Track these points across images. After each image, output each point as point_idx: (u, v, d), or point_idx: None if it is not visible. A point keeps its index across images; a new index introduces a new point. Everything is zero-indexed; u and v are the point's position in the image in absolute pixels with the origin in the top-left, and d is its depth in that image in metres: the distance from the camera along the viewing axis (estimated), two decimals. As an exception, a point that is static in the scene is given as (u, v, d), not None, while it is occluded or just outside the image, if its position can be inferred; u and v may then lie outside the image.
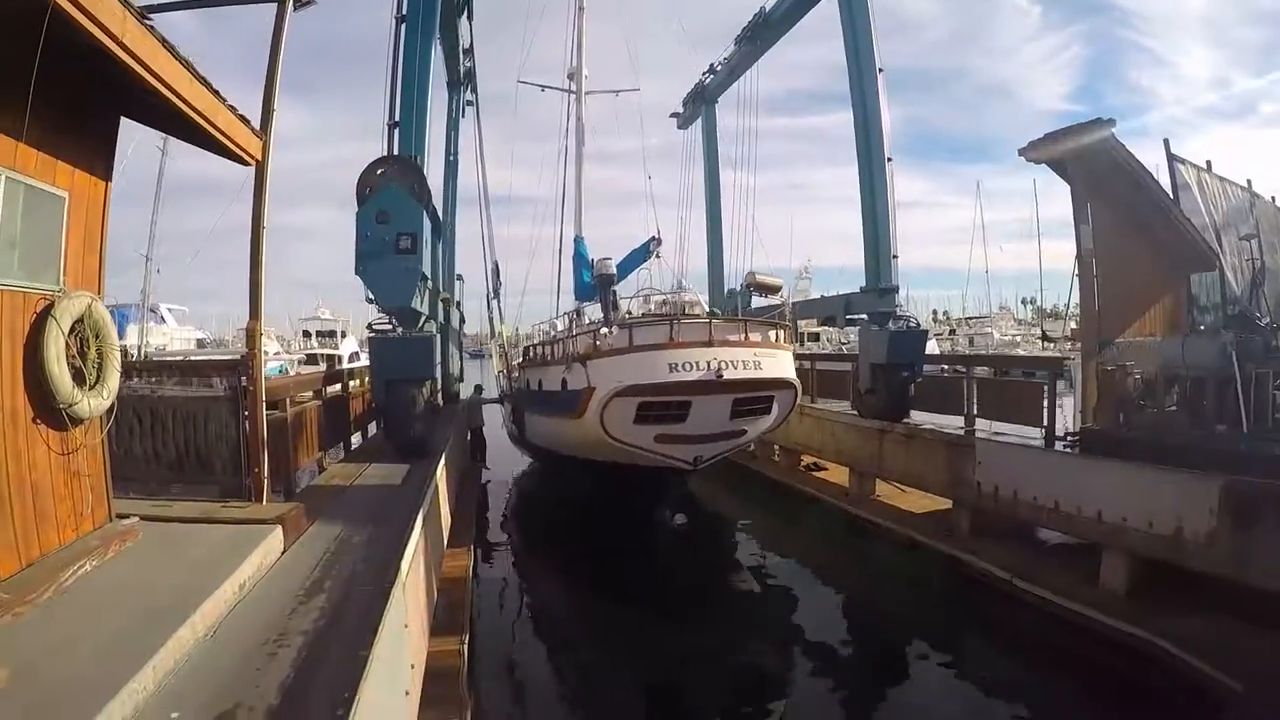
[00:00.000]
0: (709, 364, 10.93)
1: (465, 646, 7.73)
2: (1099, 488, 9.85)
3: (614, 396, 11.00)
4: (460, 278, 23.95)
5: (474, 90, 22.37)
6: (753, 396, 11.62)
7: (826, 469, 17.67)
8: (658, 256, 18.73)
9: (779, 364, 11.86)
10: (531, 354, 17.03)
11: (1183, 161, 13.25)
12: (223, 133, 5.95)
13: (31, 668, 3.74)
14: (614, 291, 15.50)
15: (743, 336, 11.74)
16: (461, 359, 24.62)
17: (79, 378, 5.18)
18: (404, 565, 5.91)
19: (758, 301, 17.42)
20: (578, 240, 22.54)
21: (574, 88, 25.18)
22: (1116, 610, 8.95)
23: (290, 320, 51.82)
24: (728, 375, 10.98)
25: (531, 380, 15.83)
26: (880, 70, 15.94)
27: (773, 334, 12.28)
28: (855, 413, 16.57)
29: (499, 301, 19.68)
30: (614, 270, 15.95)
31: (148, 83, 4.82)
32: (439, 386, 13.10)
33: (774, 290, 15.19)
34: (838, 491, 16.09)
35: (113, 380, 5.58)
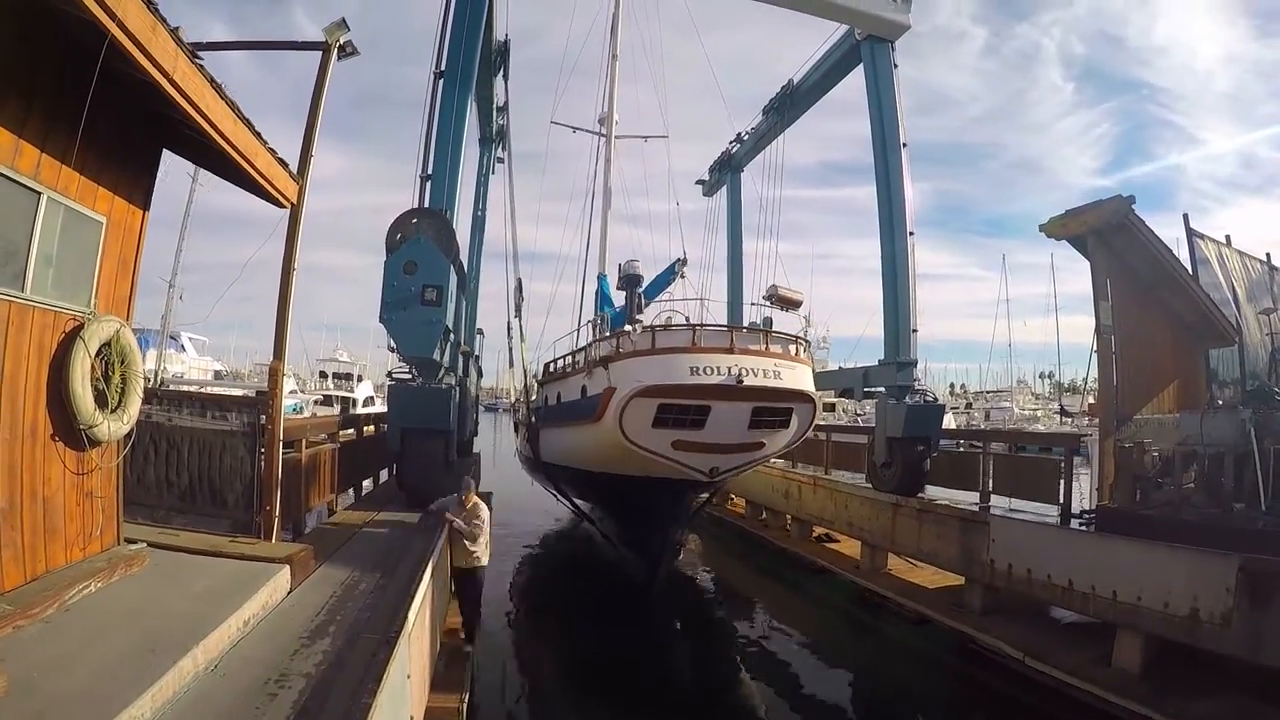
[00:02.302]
0: (730, 369, 10.96)
1: (465, 704, 7.64)
2: (1114, 566, 9.67)
3: (634, 396, 11.00)
4: (481, 332, 24.15)
5: (505, 148, 22.86)
6: (772, 407, 11.59)
7: (839, 541, 17.42)
8: (683, 277, 18.83)
9: (798, 377, 11.86)
10: (552, 369, 17.00)
11: (1202, 236, 13.33)
12: (261, 174, 6.13)
13: (29, 682, 3.73)
14: (639, 294, 15.57)
15: (764, 347, 11.79)
16: (478, 412, 24.68)
17: (101, 400, 5.27)
18: (410, 616, 5.88)
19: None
20: (601, 278, 22.74)
21: (604, 131, 25.86)
22: (1129, 691, 8.72)
23: (308, 360, 51.99)
24: (748, 381, 10.97)
25: (550, 395, 15.86)
26: (904, 145, 16.21)
27: (793, 348, 12.29)
28: (870, 485, 16.42)
29: (520, 321, 19.65)
30: (641, 271, 16.01)
31: (193, 119, 5.00)
32: (454, 439, 13.12)
33: (795, 305, 15.21)
34: (849, 564, 15.86)
35: (134, 406, 5.66)
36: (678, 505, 13.02)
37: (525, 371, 19.06)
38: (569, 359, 15.41)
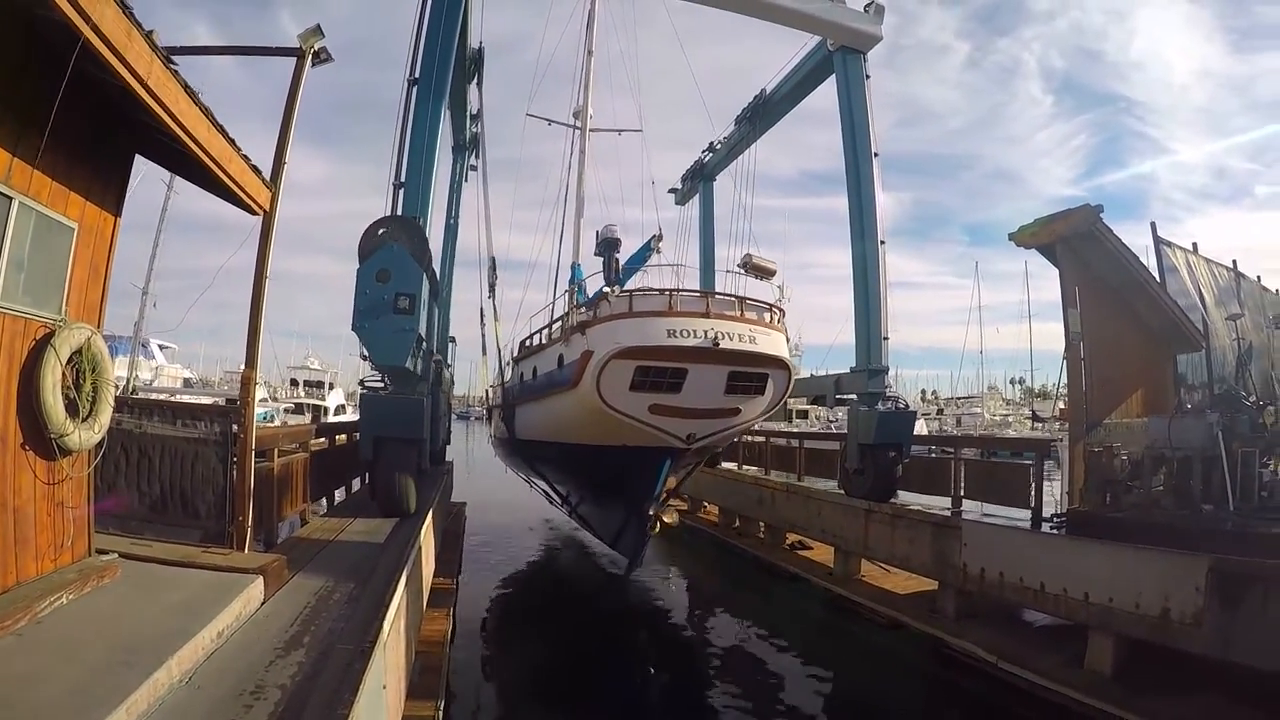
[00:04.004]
0: (706, 333, 11.16)
1: (440, 712, 7.59)
2: (1085, 569, 9.81)
3: (611, 358, 11.14)
4: (453, 340, 24.01)
5: (479, 155, 22.82)
6: (747, 372, 11.74)
7: (812, 548, 17.50)
8: (658, 252, 18.89)
9: (773, 343, 12.07)
10: (528, 344, 16.95)
11: (1170, 244, 13.60)
12: (234, 180, 6.08)
13: (1, 698, 3.65)
14: (616, 259, 15.66)
15: (739, 313, 11.96)
16: (450, 421, 24.56)
17: (72, 409, 5.18)
18: (385, 626, 5.80)
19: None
20: (574, 267, 22.72)
21: (579, 124, 25.93)
22: (1103, 692, 8.86)
23: (279, 367, 51.47)
24: (724, 345, 11.17)
25: (526, 371, 15.86)
26: (876, 154, 16.41)
27: (767, 315, 12.41)
28: (842, 491, 16.52)
29: (494, 299, 19.43)
30: (618, 235, 16.13)
31: (166, 125, 4.95)
32: (427, 448, 13.03)
33: (769, 274, 15.40)
34: (822, 570, 15.94)
35: (105, 415, 5.57)
36: (655, 477, 12.96)
37: (499, 353, 18.87)
38: (545, 332, 15.41)
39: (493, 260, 19.19)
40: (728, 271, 15.55)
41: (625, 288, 13.50)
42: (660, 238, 19.54)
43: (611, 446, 12.37)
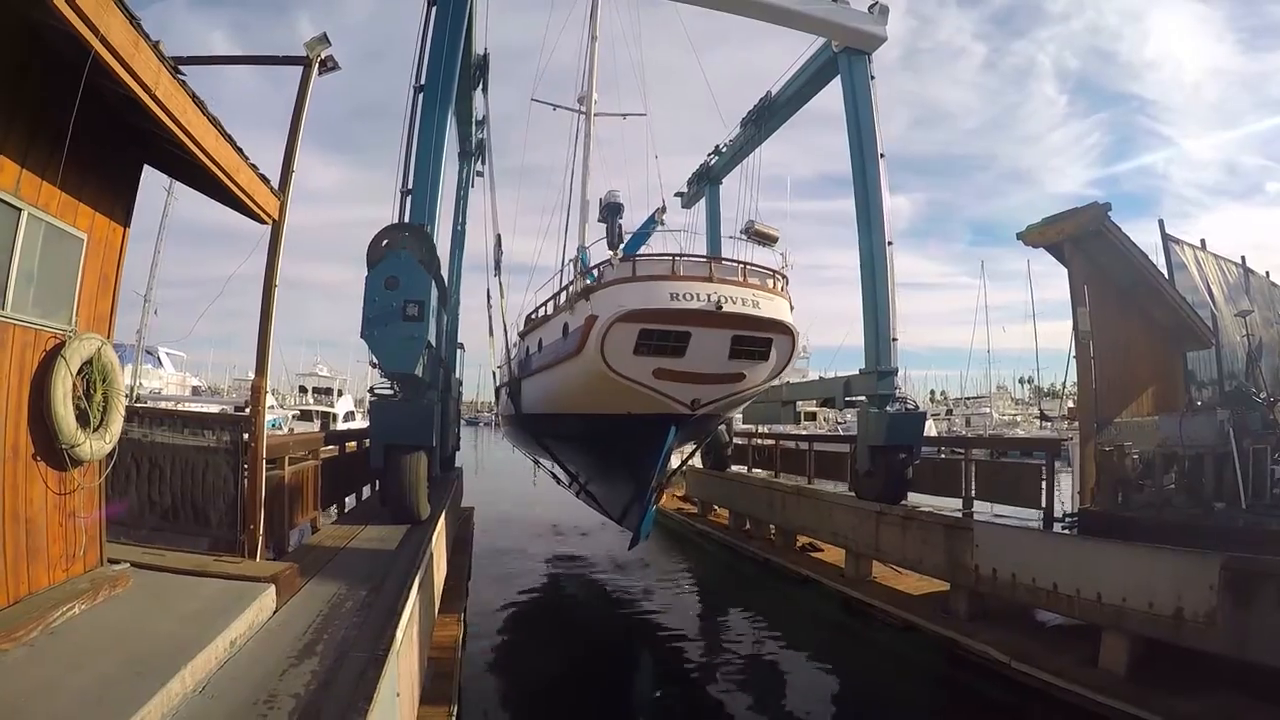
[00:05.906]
0: (709, 296, 11.21)
1: (453, 717, 7.59)
2: (1098, 569, 9.75)
3: (616, 321, 11.18)
4: (461, 346, 24.03)
5: (484, 161, 22.81)
6: (751, 336, 11.78)
7: (823, 550, 17.44)
8: (662, 224, 18.89)
9: (776, 308, 12.12)
10: (534, 317, 16.96)
11: (1177, 241, 13.56)
12: (243, 190, 6.09)
13: (14, 708, 3.66)
14: (619, 224, 15.75)
15: (742, 278, 12.02)
16: (459, 427, 24.57)
17: (83, 419, 5.19)
18: (398, 633, 5.79)
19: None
20: (581, 250, 22.75)
21: (584, 109, 25.95)
22: (1117, 691, 8.79)
23: (287, 374, 51.44)
24: (727, 308, 11.23)
25: (531, 345, 15.96)
26: (882, 155, 16.35)
27: (770, 281, 12.44)
28: (853, 494, 16.48)
29: (499, 278, 19.20)
30: (621, 200, 16.25)
31: (175, 135, 4.97)
32: (437, 454, 13.02)
33: (771, 240, 15.39)
34: (834, 573, 15.87)
35: (116, 425, 5.58)
36: (661, 446, 12.89)
37: (505, 333, 18.81)
38: (551, 303, 15.46)
39: (498, 237, 19.14)
40: (730, 237, 15.62)
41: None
42: (664, 210, 19.46)
43: (617, 415, 12.39)
